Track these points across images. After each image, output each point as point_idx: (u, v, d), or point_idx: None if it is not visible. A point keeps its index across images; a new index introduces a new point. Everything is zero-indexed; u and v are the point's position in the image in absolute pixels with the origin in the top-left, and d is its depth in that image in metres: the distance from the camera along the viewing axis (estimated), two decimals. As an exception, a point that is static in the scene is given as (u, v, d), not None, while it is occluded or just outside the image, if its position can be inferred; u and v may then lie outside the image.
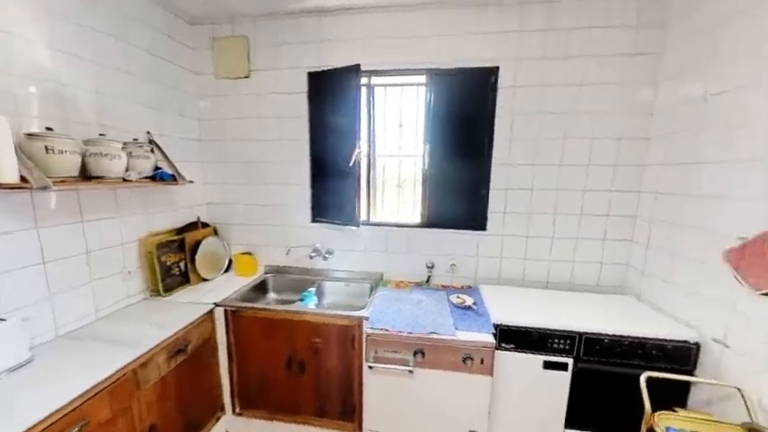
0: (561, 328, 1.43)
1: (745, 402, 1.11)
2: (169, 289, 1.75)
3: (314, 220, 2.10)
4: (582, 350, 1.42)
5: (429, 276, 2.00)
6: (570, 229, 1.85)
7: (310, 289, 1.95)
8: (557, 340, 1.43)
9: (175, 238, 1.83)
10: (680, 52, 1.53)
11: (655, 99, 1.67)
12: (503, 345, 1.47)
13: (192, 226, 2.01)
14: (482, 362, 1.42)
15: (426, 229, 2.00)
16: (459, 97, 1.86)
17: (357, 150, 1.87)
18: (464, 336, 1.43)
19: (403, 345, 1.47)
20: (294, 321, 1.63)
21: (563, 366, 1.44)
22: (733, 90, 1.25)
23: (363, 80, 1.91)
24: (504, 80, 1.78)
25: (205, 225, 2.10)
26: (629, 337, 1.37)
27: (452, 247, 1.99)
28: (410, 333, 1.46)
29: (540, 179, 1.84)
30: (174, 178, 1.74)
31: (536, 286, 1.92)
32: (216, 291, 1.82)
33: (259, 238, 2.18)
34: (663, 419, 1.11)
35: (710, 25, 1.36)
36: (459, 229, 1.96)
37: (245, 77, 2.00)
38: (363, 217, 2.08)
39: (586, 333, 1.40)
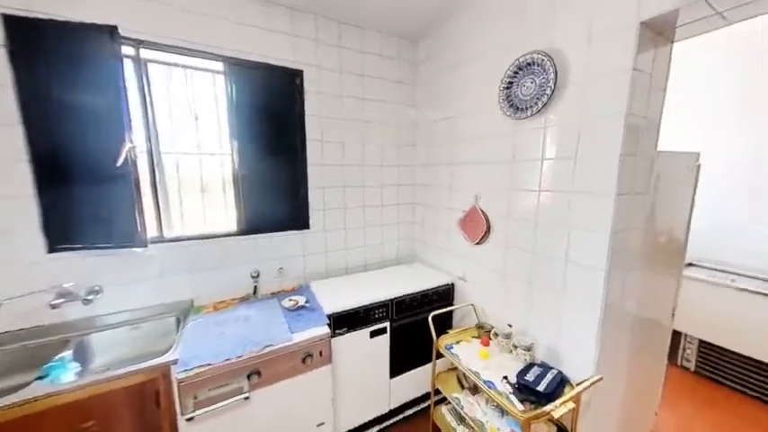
0: (379, 301, 1.72)
1: (476, 312, 1.82)
2: None
3: (54, 249, 1.37)
4: (394, 313, 1.78)
5: (256, 287, 1.82)
6: (376, 218, 2.26)
7: (62, 354, 1.27)
8: (377, 311, 1.72)
9: None
10: (425, 86, 2.20)
11: (417, 117, 2.31)
12: (337, 331, 1.59)
13: None
14: (321, 354, 1.48)
15: (246, 237, 1.81)
16: (266, 94, 1.77)
17: (129, 145, 1.39)
18: (300, 336, 1.43)
19: (233, 373, 1.27)
20: (33, 415, 1.01)
21: (383, 331, 1.75)
22: (452, 117, 1.93)
23: (129, 51, 1.43)
24: (308, 85, 1.87)
25: None
26: (419, 291, 1.86)
27: (278, 250, 1.91)
28: (240, 357, 1.28)
29: (349, 177, 2.10)
30: None
31: (357, 271, 2.21)
32: None
33: None
34: (442, 341, 1.61)
35: (439, 72, 2.03)
36: (282, 230, 1.91)
37: None
38: (153, 233, 1.59)
39: (395, 298, 1.77)
